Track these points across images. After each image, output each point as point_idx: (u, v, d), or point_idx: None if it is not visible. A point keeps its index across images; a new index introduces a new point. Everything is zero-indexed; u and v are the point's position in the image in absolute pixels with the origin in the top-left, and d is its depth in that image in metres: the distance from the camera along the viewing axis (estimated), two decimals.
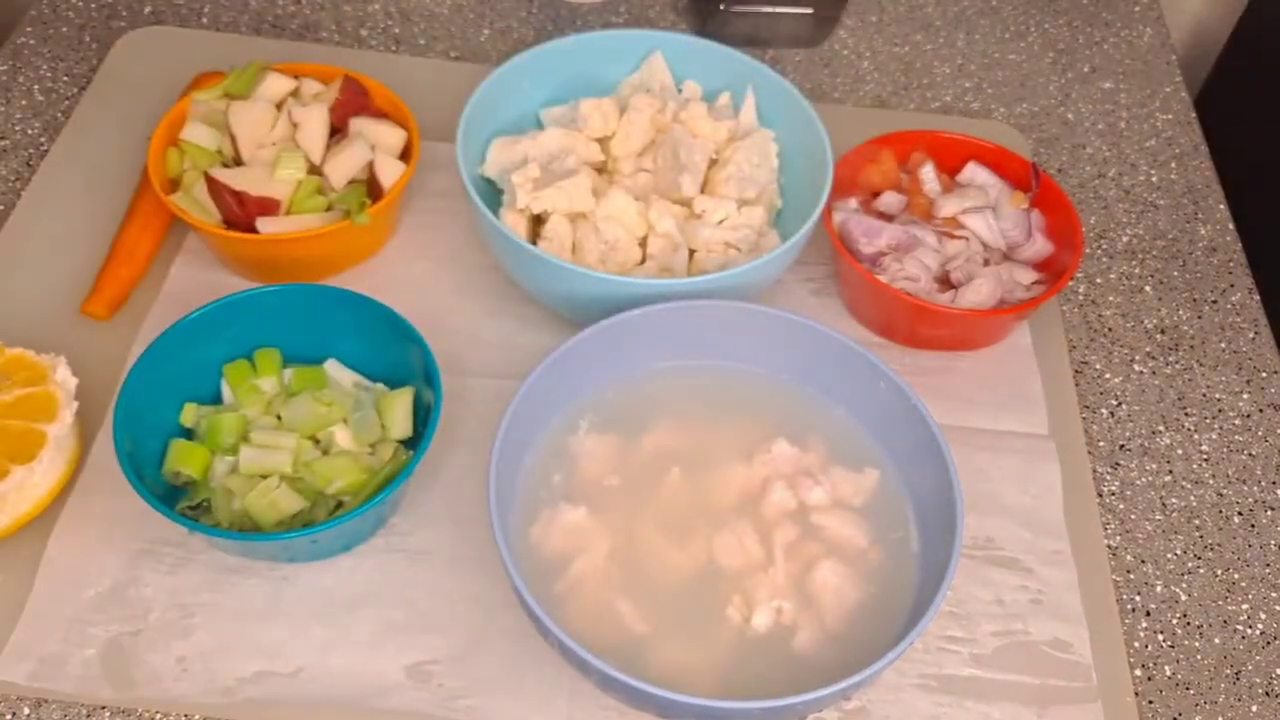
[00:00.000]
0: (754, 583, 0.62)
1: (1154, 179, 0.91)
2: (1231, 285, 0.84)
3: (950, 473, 0.61)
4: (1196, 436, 0.76)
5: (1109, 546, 0.71)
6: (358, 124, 0.76)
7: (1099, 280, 0.84)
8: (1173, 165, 0.92)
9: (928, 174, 0.80)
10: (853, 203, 0.79)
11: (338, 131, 0.77)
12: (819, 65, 0.97)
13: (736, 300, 0.67)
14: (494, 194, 0.77)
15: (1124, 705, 0.64)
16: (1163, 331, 0.81)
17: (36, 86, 0.89)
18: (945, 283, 0.76)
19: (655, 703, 0.54)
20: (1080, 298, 0.83)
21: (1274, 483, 0.74)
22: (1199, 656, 0.67)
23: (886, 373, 0.65)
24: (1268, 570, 0.70)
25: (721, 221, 0.74)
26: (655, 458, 0.66)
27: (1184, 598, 0.69)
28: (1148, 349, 0.80)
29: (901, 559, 0.63)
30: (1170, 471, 0.74)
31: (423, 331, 0.66)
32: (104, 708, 0.61)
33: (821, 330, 0.66)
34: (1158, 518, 0.72)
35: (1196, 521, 0.72)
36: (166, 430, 0.66)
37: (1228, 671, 0.66)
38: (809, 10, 0.94)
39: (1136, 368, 0.79)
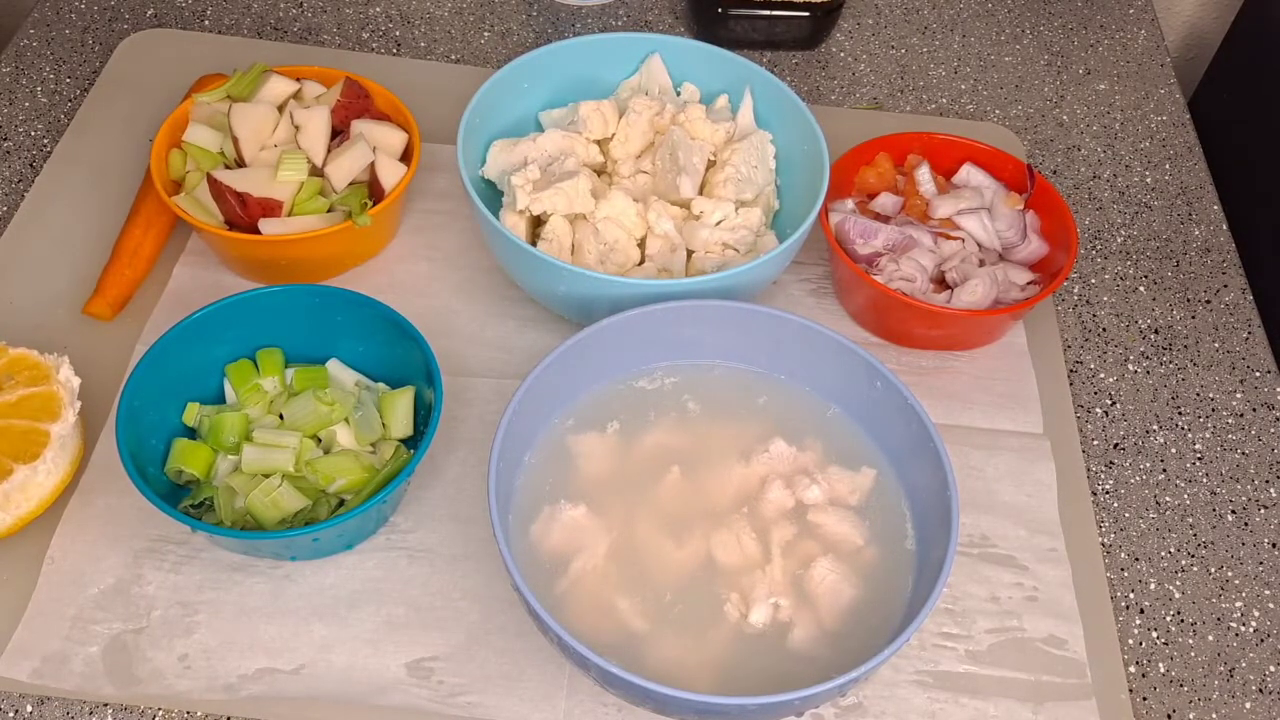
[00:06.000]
0: (751, 580, 0.63)
1: (1148, 180, 0.92)
2: (1225, 285, 0.85)
3: (946, 471, 0.61)
4: (1190, 435, 0.77)
5: (1103, 544, 0.71)
6: (359, 126, 0.77)
7: (1093, 280, 0.85)
8: (1167, 166, 0.93)
9: (923, 175, 0.80)
10: (849, 204, 0.79)
11: (339, 133, 0.77)
12: (816, 67, 0.97)
13: (734, 301, 0.68)
14: (494, 195, 0.78)
15: (1118, 702, 0.65)
16: (1156, 331, 0.82)
17: (39, 88, 0.89)
18: (941, 283, 0.77)
19: (653, 699, 0.55)
20: (1075, 298, 0.84)
21: (1267, 481, 0.75)
22: (1193, 654, 0.67)
23: (883, 372, 0.65)
24: (1260, 568, 0.71)
25: (719, 222, 0.75)
26: (654, 456, 0.67)
27: (1178, 595, 0.69)
28: (1141, 348, 0.81)
29: (898, 557, 0.64)
30: (1164, 470, 0.75)
31: (423, 331, 0.67)
32: (106, 705, 0.61)
33: (818, 330, 0.67)
34: (1151, 516, 0.73)
35: (1190, 520, 0.73)
36: (169, 429, 0.67)
37: (1221, 669, 0.67)
38: (806, 13, 0.94)
39: (1130, 367, 0.80)
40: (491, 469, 0.59)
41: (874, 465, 0.67)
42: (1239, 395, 0.79)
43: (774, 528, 0.64)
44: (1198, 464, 0.75)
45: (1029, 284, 0.77)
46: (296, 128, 0.76)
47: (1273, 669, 0.67)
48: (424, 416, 0.67)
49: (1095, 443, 0.76)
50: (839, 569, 0.63)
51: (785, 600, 0.62)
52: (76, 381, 0.66)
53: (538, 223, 0.75)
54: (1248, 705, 0.66)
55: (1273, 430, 0.77)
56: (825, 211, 0.76)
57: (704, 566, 0.63)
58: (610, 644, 0.60)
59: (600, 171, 0.79)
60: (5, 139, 0.86)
